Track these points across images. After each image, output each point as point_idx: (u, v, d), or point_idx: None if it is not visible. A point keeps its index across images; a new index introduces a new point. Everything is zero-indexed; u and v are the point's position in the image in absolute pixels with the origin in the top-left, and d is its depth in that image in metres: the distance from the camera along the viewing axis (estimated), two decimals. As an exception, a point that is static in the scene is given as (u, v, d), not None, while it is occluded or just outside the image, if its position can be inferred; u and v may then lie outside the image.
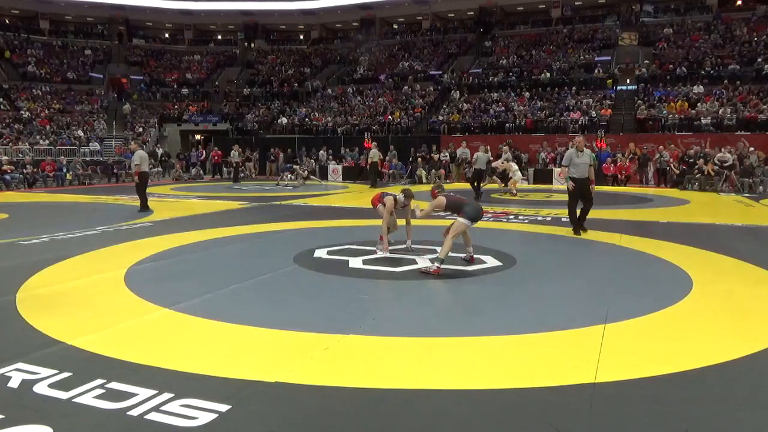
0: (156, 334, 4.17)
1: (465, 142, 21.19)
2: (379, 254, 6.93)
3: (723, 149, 18.01)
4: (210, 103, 33.59)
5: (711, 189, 16.94)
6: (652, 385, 3.23)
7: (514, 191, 15.54)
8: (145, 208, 11.89)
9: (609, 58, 28.31)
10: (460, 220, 6.17)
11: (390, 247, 7.25)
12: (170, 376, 3.33)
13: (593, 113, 23.40)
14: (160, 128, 30.84)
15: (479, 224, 9.80)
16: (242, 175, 22.62)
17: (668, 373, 3.38)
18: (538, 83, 27.03)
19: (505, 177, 16.20)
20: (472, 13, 36.45)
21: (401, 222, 7.38)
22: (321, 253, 7.08)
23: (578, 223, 8.73)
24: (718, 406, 3.02)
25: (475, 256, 6.55)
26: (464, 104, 26.69)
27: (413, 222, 7.38)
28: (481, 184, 15.11)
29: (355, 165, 23.48)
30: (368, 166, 19.92)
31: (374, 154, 19.63)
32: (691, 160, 18.07)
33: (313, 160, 23.31)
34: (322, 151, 24.71)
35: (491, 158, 16.12)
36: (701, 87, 23.15)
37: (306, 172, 20.51)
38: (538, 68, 28.13)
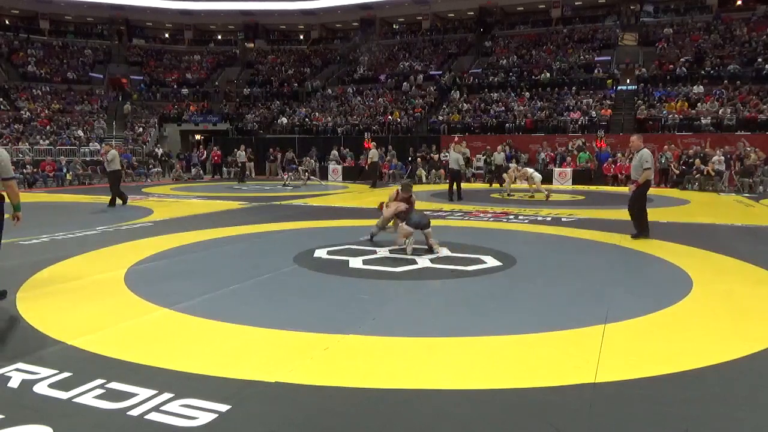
0: (156, 334, 4.17)
1: (463, 140, 21.09)
2: (380, 254, 6.94)
3: (719, 151, 18.00)
4: (210, 103, 33.59)
5: (711, 189, 16.95)
6: (652, 385, 3.23)
7: (545, 194, 14.17)
8: (113, 204, 12.64)
9: (609, 58, 28.31)
10: (403, 225, 7.21)
11: (390, 247, 7.28)
12: (170, 376, 3.33)
13: (593, 113, 23.38)
14: (160, 128, 30.84)
15: (479, 224, 9.85)
16: (247, 173, 22.69)
17: (668, 373, 3.38)
18: (538, 83, 27.01)
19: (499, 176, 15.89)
20: (472, 13, 36.46)
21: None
22: (321, 253, 7.08)
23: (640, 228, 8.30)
24: (718, 406, 3.02)
25: (474, 256, 6.66)
26: (464, 104, 26.69)
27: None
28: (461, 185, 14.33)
29: (355, 165, 23.49)
30: (368, 166, 19.91)
31: (374, 154, 19.62)
32: (691, 160, 18.09)
33: (313, 160, 23.32)
34: (334, 151, 24.59)
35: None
36: (701, 87, 23.13)
37: (306, 172, 20.52)
38: (538, 68, 28.11)
